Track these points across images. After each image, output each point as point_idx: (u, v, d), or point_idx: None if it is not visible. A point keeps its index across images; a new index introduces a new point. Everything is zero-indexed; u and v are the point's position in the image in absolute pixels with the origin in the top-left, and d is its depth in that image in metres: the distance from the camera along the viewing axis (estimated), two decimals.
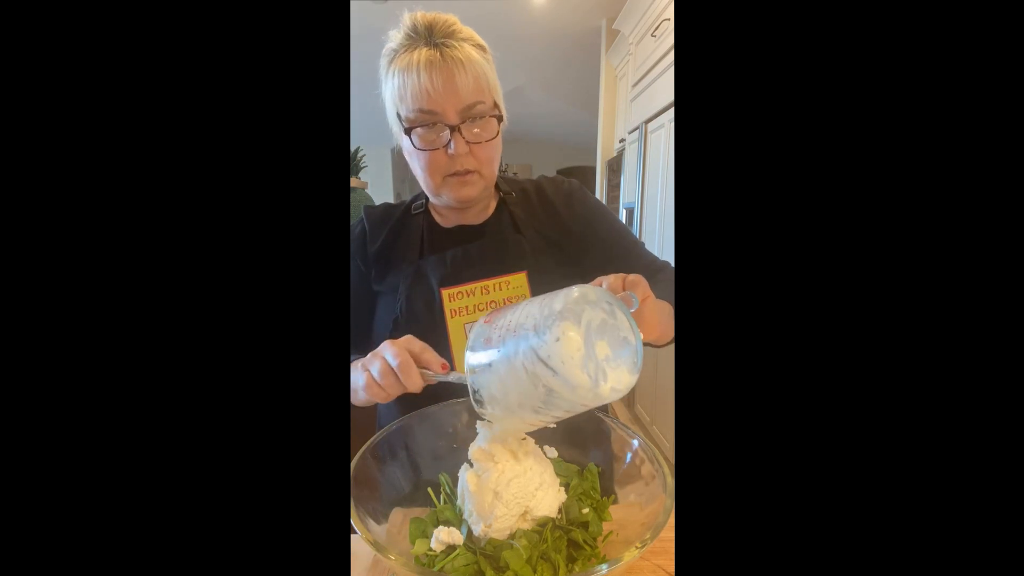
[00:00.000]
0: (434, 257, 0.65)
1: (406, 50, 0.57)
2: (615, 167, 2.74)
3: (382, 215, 0.71)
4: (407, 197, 0.75)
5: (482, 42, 0.60)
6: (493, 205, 0.71)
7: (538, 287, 0.63)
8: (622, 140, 2.68)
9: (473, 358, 0.38)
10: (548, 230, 0.69)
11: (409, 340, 0.48)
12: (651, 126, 2.06)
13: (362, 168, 2.27)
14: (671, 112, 1.83)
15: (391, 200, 0.80)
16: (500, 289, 0.63)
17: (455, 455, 0.51)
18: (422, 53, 0.55)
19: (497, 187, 0.72)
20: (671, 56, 1.81)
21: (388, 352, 0.46)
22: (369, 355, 0.48)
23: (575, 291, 0.36)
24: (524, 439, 0.45)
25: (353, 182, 2.08)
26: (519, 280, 0.64)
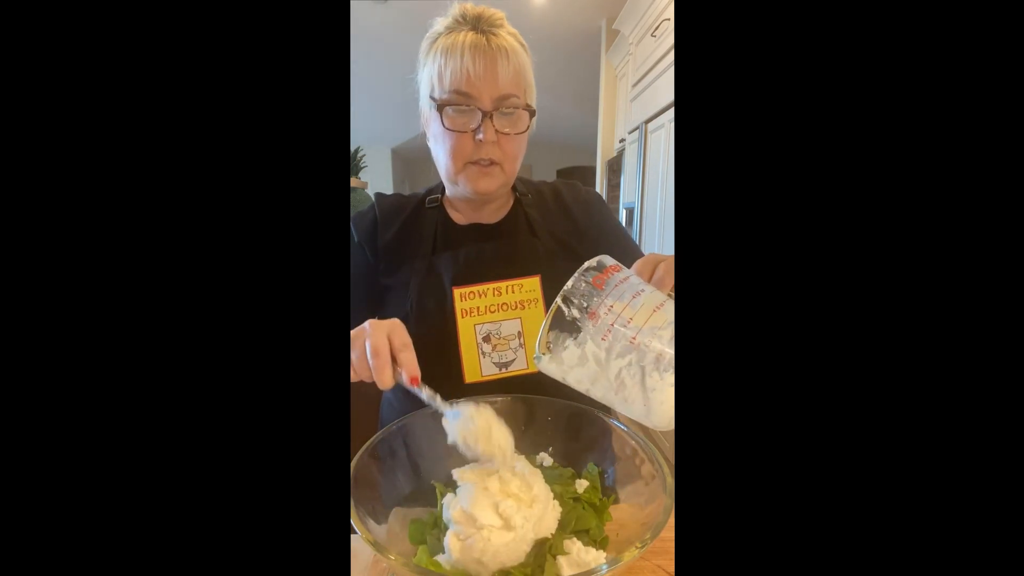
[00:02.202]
0: (447, 255, 0.64)
1: (451, 32, 0.57)
2: (615, 167, 2.74)
3: (395, 205, 0.70)
4: None
5: (524, 41, 0.61)
6: (509, 205, 0.71)
7: (551, 291, 0.62)
8: (622, 140, 2.68)
9: (567, 315, 0.35)
10: (563, 234, 0.68)
11: (394, 327, 0.45)
12: (651, 126, 2.06)
13: (362, 168, 2.27)
14: (671, 112, 1.83)
15: None
16: (513, 292, 0.63)
17: (455, 455, 0.51)
18: (468, 36, 0.56)
19: (514, 188, 0.71)
20: (671, 56, 1.81)
21: (369, 341, 0.43)
22: (354, 332, 0.45)
23: None
24: (517, 492, 0.41)
25: (353, 182, 2.08)
26: (532, 283, 0.63)
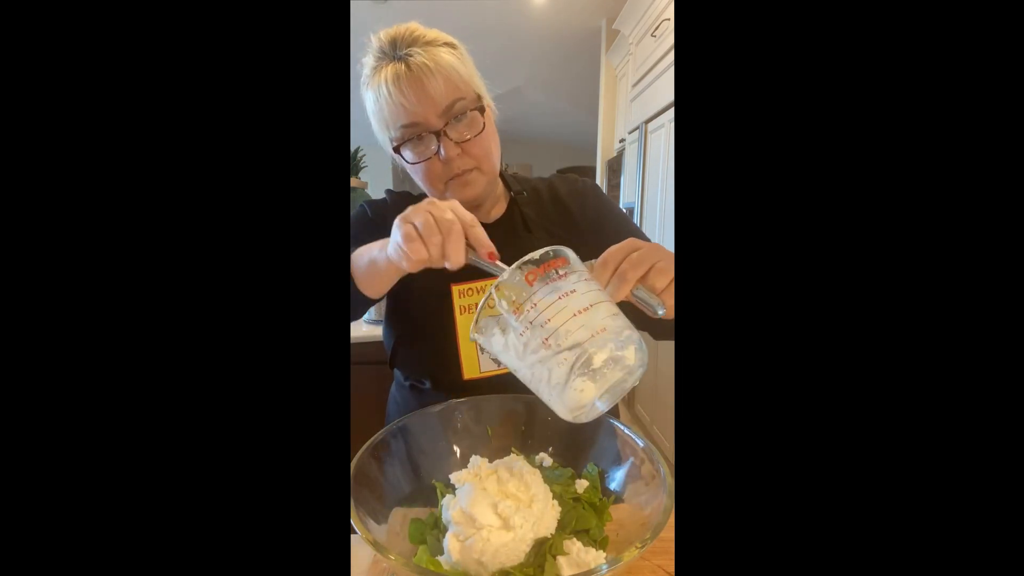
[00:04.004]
0: None
1: (375, 71, 0.57)
2: (615, 167, 2.74)
3: (403, 202, 0.71)
4: None
5: (450, 39, 0.59)
6: (504, 204, 0.71)
7: None
8: (622, 140, 2.68)
9: (496, 305, 0.36)
10: (559, 229, 0.68)
11: (456, 204, 0.42)
12: (651, 126, 2.06)
13: (362, 168, 2.26)
14: (671, 112, 1.83)
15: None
16: None
17: (455, 456, 0.51)
18: (388, 70, 0.55)
19: (508, 186, 0.71)
20: (671, 56, 1.81)
21: (437, 211, 0.40)
22: (410, 209, 0.42)
23: (624, 348, 0.34)
24: (515, 492, 0.42)
25: (353, 182, 2.07)
26: None
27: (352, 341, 1.19)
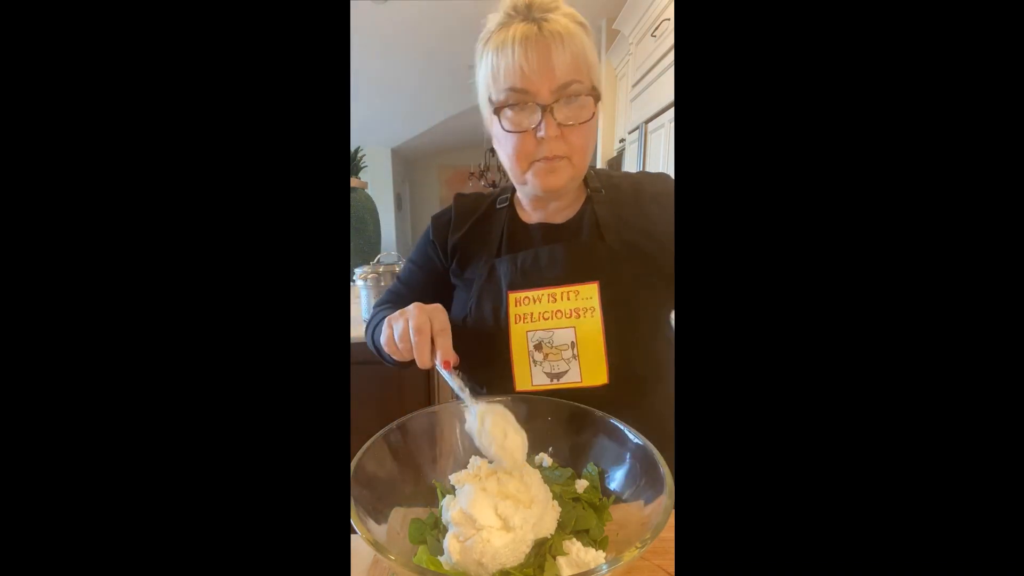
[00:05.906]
0: (507, 258, 0.62)
1: (502, 27, 0.54)
2: (615, 167, 2.74)
3: (471, 205, 0.69)
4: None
5: (583, 20, 0.57)
6: (580, 203, 0.66)
7: (610, 300, 0.58)
8: (622, 140, 2.68)
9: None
10: (633, 235, 0.62)
11: (435, 311, 0.49)
12: (651, 126, 2.06)
13: (362, 168, 2.26)
14: (671, 112, 1.83)
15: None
16: (568, 299, 0.59)
17: (455, 456, 0.51)
18: (518, 28, 0.52)
19: (587, 182, 0.67)
20: (671, 56, 1.81)
21: (412, 321, 0.48)
22: (398, 312, 0.51)
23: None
24: (515, 493, 0.43)
25: (353, 182, 2.07)
26: (590, 291, 0.58)
27: (353, 341, 1.19)
